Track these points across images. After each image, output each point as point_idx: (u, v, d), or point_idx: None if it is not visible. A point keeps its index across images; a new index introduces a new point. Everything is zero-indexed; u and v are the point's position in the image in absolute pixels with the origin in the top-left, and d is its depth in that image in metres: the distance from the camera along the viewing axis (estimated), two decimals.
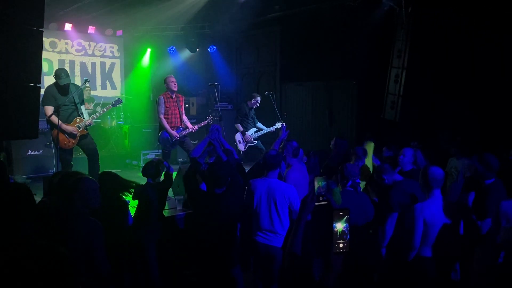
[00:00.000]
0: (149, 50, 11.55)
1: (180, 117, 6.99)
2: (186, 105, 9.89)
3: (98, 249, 2.88)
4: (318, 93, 9.71)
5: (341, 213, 1.93)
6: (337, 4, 8.34)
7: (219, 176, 3.51)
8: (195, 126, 6.98)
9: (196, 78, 11.19)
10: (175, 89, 6.96)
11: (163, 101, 6.89)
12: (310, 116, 9.79)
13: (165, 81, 7.05)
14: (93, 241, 2.84)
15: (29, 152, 7.57)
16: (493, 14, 6.52)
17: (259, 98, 8.05)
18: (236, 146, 7.75)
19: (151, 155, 8.96)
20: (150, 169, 4.37)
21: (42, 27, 3.26)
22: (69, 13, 9.77)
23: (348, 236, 1.91)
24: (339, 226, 1.90)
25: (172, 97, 6.94)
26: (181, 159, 9.05)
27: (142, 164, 8.97)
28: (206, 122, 6.99)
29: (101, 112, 7.14)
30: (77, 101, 6.12)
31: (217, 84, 7.24)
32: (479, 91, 6.80)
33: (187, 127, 6.93)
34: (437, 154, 6.65)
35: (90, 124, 6.32)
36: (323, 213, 2.07)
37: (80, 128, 6.12)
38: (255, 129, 8.04)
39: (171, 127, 6.85)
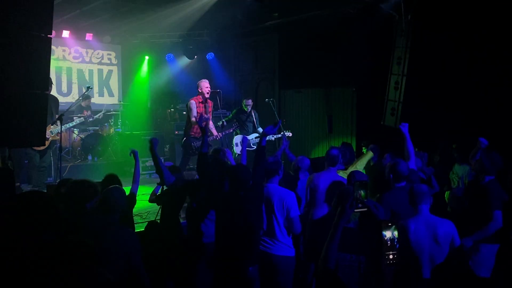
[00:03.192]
0: (147, 57, 11.53)
1: (207, 124, 6.95)
2: (184, 112, 9.84)
3: (137, 260, 2.86)
4: (318, 100, 9.73)
5: (389, 223, 1.90)
6: (336, 12, 8.38)
7: (242, 179, 3.48)
8: (220, 133, 6.87)
9: (194, 85, 11.17)
10: (208, 95, 6.79)
11: (195, 106, 6.73)
12: (310, 123, 9.80)
13: (199, 85, 6.88)
14: (131, 252, 2.83)
15: (27, 161, 7.49)
16: (492, 23, 6.57)
17: (249, 101, 8.03)
18: (233, 149, 7.73)
19: (149, 163, 8.90)
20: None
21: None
22: (67, 20, 9.72)
23: (398, 246, 1.87)
24: (389, 234, 1.87)
25: (203, 102, 6.80)
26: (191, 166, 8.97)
27: (140, 171, 8.90)
28: (231, 130, 6.93)
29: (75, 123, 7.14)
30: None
31: (219, 91, 7.21)
32: (478, 98, 6.84)
33: (212, 134, 6.78)
34: (438, 160, 6.69)
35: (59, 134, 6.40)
36: (371, 222, 2.02)
37: (52, 134, 6.18)
38: (256, 134, 8.01)
39: (197, 133, 6.66)
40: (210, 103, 6.99)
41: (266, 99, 8.27)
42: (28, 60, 3.16)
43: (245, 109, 8.05)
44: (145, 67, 11.58)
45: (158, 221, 4.61)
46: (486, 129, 6.75)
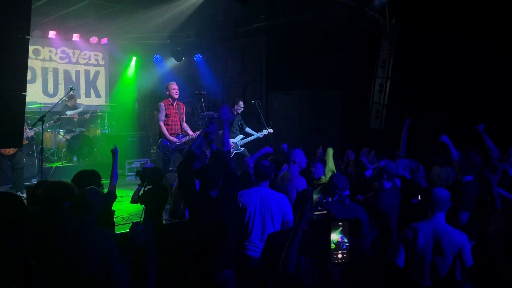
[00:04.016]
0: (134, 58, 11.50)
1: (181, 124, 6.97)
2: None
3: (114, 260, 2.86)
4: (304, 102, 9.77)
5: (339, 224, 1.92)
6: (322, 15, 8.44)
7: (211, 179, 3.46)
8: (196, 132, 6.96)
9: (182, 86, 11.16)
10: (177, 96, 6.95)
11: (164, 108, 6.86)
12: (296, 125, 9.83)
13: (167, 88, 7.03)
14: (108, 252, 2.82)
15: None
16: (476, 26, 6.65)
17: (241, 103, 8.06)
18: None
19: (136, 164, 8.88)
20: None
21: (29, 35, 3.22)
22: (53, 21, 9.68)
23: (345, 246, 1.90)
24: (335, 236, 1.90)
25: (172, 104, 6.93)
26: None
27: (126, 173, 8.90)
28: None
29: (47, 125, 7.08)
30: None
31: (203, 92, 7.24)
32: (462, 100, 6.92)
33: (187, 134, 6.90)
34: (421, 163, 6.75)
35: (31, 137, 6.32)
36: (321, 223, 2.04)
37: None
38: (241, 136, 8.02)
39: (171, 134, 6.80)
40: (182, 105, 7.11)
41: (252, 101, 8.30)
42: (5, 61, 3.14)
43: (236, 110, 8.07)
44: (132, 68, 11.55)
45: (142, 222, 4.61)
46: (472, 129, 6.84)
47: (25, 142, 6.28)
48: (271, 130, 7.81)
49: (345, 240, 1.90)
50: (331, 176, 3.77)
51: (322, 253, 1.89)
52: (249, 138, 7.98)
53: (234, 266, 3.44)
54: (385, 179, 4.25)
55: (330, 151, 5.42)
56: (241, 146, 7.93)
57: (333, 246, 1.88)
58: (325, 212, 2.08)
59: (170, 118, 6.87)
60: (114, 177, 4.17)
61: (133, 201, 4.83)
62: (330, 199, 3.51)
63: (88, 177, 3.57)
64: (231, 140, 7.90)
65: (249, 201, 3.82)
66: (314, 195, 2.12)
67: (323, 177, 5.05)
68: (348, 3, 7.70)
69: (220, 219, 3.38)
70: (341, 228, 1.90)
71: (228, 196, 3.48)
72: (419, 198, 4.29)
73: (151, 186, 4.68)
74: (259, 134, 7.87)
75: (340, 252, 1.88)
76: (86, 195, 3.00)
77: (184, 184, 3.57)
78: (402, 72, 7.45)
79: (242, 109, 8.08)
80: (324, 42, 8.94)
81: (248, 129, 8.09)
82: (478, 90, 6.82)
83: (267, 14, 9.46)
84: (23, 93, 3.27)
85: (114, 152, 4.41)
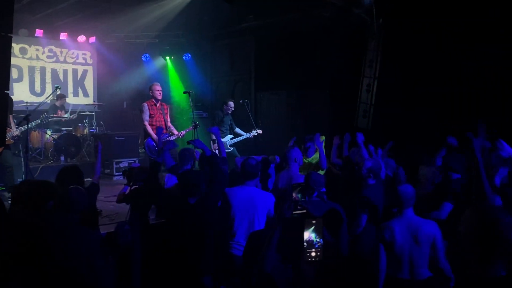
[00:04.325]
0: (123, 57, 11.43)
1: (166, 124, 6.98)
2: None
3: (97, 259, 2.84)
4: (293, 102, 9.80)
5: (313, 222, 1.93)
6: (310, 15, 8.47)
7: (192, 184, 3.44)
8: (181, 132, 6.98)
9: (169, 86, 11.15)
10: (160, 97, 6.99)
11: (147, 108, 6.88)
12: (285, 125, 9.86)
13: (150, 89, 7.06)
14: (91, 251, 2.81)
15: None
16: (462, 25, 6.70)
17: (231, 103, 8.10)
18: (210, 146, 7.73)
19: (124, 164, 8.83)
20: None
21: (11, 33, 3.19)
22: (40, 19, 9.59)
23: (318, 245, 1.89)
24: (307, 234, 1.90)
25: (156, 105, 6.96)
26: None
27: (114, 172, 8.84)
28: (191, 128, 6.98)
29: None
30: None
31: (191, 91, 7.23)
32: (449, 100, 6.98)
33: (172, 134, 6.91)
34: (408, 162, 6.80)
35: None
36: (295, 222, 2.04)
37: (6, 138, 6.10)
38: (231, 136, 8.03)
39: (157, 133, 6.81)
40: (165, 106, 7.15)
41: (241, 101, 8.31)
42: None
43: (225, 111, 8.08)
44: (121, 67, 11.48)
45: (127, 221, 4.58)
46: (457, 129, 6.91)
47: (11, 141, 6.19)
48: (260, 131, 7.86)
49: (317, 239, 1.90)
50: (308, 174, 3.76)
51: (295, 251, 1.90)
52: (238, 138, 8.00)
53: (212, 272, 3.43)
54: (371, 178, 4.27)
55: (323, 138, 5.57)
56: (230, 146, 7.95)
57: (306, 244, 1.88)
58: (304, 211, 2.08)
59: (154, 118, 6.88)
60: (97, 169, 4.21)
61: (119, 200, 4.80)
62: (308, 198, 3.52)
63: (70, 174, 3.57)
64: (222, 140, 7.90)
65: (234, 200, 3.81)
66: (293, 194, 2.11)
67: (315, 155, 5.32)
68: (335, 3, 7.73)
69: (198, 226, 3.36)
70: (314, 226, 1.90)
71: (210, 201, 3.48)
72: None
73: (137, 186, 4.66)
74: (248, 135, 7.90)
75: (313, 250, 1.88)
76: (69, 194, 2.98)
77: (154, 190, 3.55)
78: (390, 72, 7.51)
79: (232, 109, 8.10)
80: (312, 42, 8.97)
81: (237, 130, 8.12)
82: (465, 90, 6.89)
83: (255, 14, 9.48)
84: (5, 91, 3.24)
85: (97, 146, 4.43)
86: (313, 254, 1.87)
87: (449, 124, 6.93)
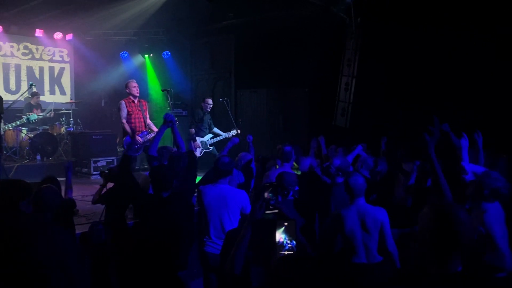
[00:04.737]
0: (101, 54, 11.26)
1: (145, 121, 6.88)
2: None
3: (72, 261, 2.78)
4: (273, 100, 9.84)
5: (285, 223, 1.91)
6: (290, 14, 8.51)
7: (163, 179, 3.43)
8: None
9: (148, 83, 11.05)
10: (137, 94, 6.87)
11: (125, 106, 6.77)
12: (265, 123, 9.89)
13: (127, 86, 6.95)
14: (65, 252, 2.75)
15: None
16: (442, 23, 6.80)
17: (209, 100, 8.05)
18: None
19: (101, 163, 8.71)
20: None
21: None
22: (15, 15, 9.38)
23: (288, 247, 1.88)
24: (278, 235, 1.89)
25: (134, 102, 6.85)
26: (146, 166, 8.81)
27: (92, 171, 8.71)
28: (170, 126, 6.91)
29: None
30: None
31: (170, 89, 7.18)
32: (427, 98, 7.08)
33: (152, 131, 6.82)
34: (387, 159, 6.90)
35: None
36: (267, 222, 2.02)
37: None
38: (211, 135, 8.00)
39: (137, 131, 6.69)
40: (144, 102, 7.05)
41: (220, 99, 8.29)
42: None
43: (204, 109, 8.04)
44: (99, 65, 11.31)
45: (102, 221, 4.52)
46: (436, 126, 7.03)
47: None
48: (238, 131, 7.81)
49: (288, 241, 1.89)
50: (280, 174, 3.78)
51: (266, 252, 1.89)
52: (218, 138, 7.96)
53: (187, 267, 3.43)
54: (339, 176, 4.29)
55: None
56: (210, 145, 7.91)
57: (277, 245, 1.87)
58: (276, 211, 2.06)
59: (133, 116, 6.78)
60: (68, 190, 4.12)
61: (94, 201, 4.72)
62: (282, 198, 3.53)
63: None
64: (201, 139, 7.87)
65: (206, 198, 3.82)
66: (265, 194, 2.10)
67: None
68: (314, 2, 7.79)
69: (171, 220, 3.34)
70: (285, 227, 1.88)
71: (182, 196, 3.47)
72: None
73: (113, 185, 4.60)
74: (227, 134, 7.85)
75: (284, 251, 1.87)
76: (42, 194, 2.93)
77: (126, 186, 3.50)
78: (368, 71, 7.60)
79: (211, 105, 8.05)
80: (291, 40, 9.02)
81: (215, 129, 8.08)
82: (443, 87, 7.00)
83: (235, 12, 9.46)
84: None
85: (68, 167, 4.33)
86: (284, 255, 1.86)
87: (428, 122, 7.04)
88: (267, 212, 2.07)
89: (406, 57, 7.31)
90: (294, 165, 5.20)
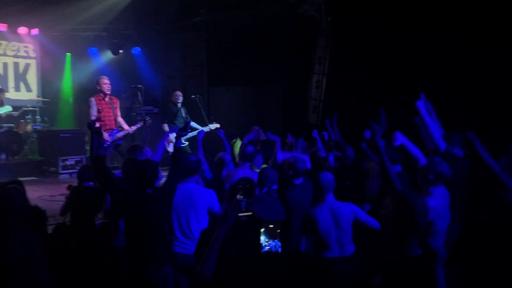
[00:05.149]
0: (69, 50, 10.98)
1: (115, 119, 6.74)
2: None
3: (41, 264, 2.69)
4: (246, 97, 9.83)
5: (270, 226, 1.87)
6: (262, 11, 8.52)
7: (150, 176, 3.37)
8: (132, 127, 6.76)
9: (119, 80, 10.81)
10: (108, 91, 6.74)
11: (95, 103, 6.63)
12: (238, 120, 9.86)
13: (98, 83, 6.81)
14: (33, 255, 2.66)
15: None
16: (411, 20, 6.90)
17: (178, 92, 7.96)
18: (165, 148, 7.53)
19: (70, 161, 8.51)
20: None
21: None
22: None
23: (266, 248, 1.83)
24: (266, 241, 1.83)
25: (104, 99, 6.72)
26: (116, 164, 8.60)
27: (60, 170, 8.50)
28: (142, 123, 6.81)
29: None
30: None
31: (141, 86, 7.08)
32: (398, 96, 7.19)
33: (123, 129, 6.70)
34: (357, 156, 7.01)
35: None
36: (251, 225, 1.96)
37: None
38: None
39: (105, 130, 6.53)
40: (115, 100, 6.94)
41: (192, 96, 8.19)
42: None
43: (175, 102, 7.93)
44: (66, 61, 11.02)
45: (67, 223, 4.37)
46: (408, 123, 7.17)
47: None
48: (217, 125, 7.66)
49: (266, 243, 1.84)
50: (263, 169, 3.78)
51: (250, 255, 1.87)
52: (194, 133, 7.82)
53: (172, 263, 3.40)
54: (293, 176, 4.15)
55: (238, 142, 5.51)
56: (185, 140, 7.78)
57: (262, 248, 1.82)
58: (250, 213, 2.00)
59: (103, 113, 6.65)
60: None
61: (62, 212, 4.52)
62: (252, 199, 3.50)
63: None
64: (174, 134, 7.70)
65: (174, 197, 3.72)
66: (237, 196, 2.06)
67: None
68: (286, 0, 7.83)
69: (156, 218, 3.30)
70: (270, 230, 1.84)
71: (167, 192, 3.43)
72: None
73: (76, 186, 4.42)
74: (205, 129, 7.68)
75: (263, 253, 1.83)
76: (7, 195, 2.83)
77: (104, 183, 3.42)
78: (339, 69, 7.69)
79: (181, 96, 7.94)
80: (264, 38, 9.03)
81: (193, 124, 7.95)
82: (415, 83, 7.12)
83: (207, 8, 9.40)
84: None
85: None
86: (263, 256, 1.83)
87: (397, 119, 7.18)
88: (240, 214, 2.00)
89: (378, 55, 7.40)
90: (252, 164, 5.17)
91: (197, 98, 7.98)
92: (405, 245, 1.90)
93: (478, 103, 6.03)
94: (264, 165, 5.26)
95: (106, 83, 6.73)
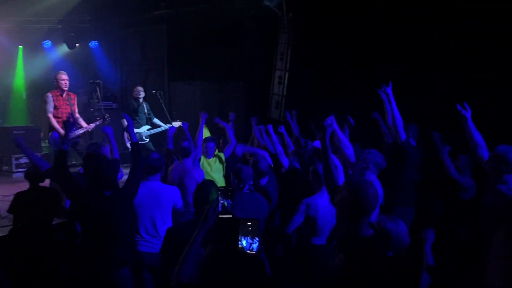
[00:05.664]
0: (21, 43, 10.47)
1: (73, 116, 6.55)
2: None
3: None
4: (208, 93, 9.75)
5: (248, 223, 1.83)
6: (224, 7, 8.46)
7: (107, 176, 3.26)
8: (91, 124, 6.62)
9: (76, 75, 10.43)
10: (65, 87, 6.59)
11: (52, 99, 6.47)
12: (200, 115, 9.78)
13: (55, 78, 6.64)
14: None
15: None
16: (367, 18, 7.03)
17: (139, 87, 7.82)
18: (125, 144, 7.34)
19: (24, 159, 8.16)
20: None
21: None
22: None
23: (256, 249, 1.80)
24: (245, 242, 1.80)
25: (62, 95, 6.56)
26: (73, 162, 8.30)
27: (14, 169, 8.15)
28: (101, 120, 6.62)
29: None
30: None
31: (99, 81, 6.90)
32: (359, 92, 7.33)
33: (81, 126, 6.54)
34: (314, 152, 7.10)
35: None
36: (228, 225, 1.91)
37: None
38: (148, 127, 7.70)
39: (62, 127, 6.36)
40: (72, 96, 6.80)
41: (153, 91, 8.04)
42: None
43: (137, 98, 7.75)
44: (19, 54, 10.51)
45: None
46: (366, 120, 7.34)
47: None
48: (180, 123, 7.45)
49: (254, 241, 1.81)
50: (239, 167, 3.76)
51: (227, 254, 1.85)
52: (156, 130, 7.66)
53: (130, 264, 3.33)
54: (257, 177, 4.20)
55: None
56: (146, 137, 7.62)
57: (241, 247, 1.79)
58: (230, 216, 1.96)
59: (60, 110, 6.49)
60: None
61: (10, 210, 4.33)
62: (232, 197, 3.49)
63: None
64: (136, 130, 7.49)
65: (137, 196, 3.65)
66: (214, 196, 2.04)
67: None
68: None
69: (116, 219, 3.22)
70: (249, 228, 1.81)
71: (127, 191, 3.35)
72: None
73: (27, 189, 4.25)
74: (167, 126, 7.53)
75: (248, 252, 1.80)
76: None
77: (63, 179, 3.30)
78: (300, 64, 7.76)
79: (142, 93, 7.79)
80: (226, 33, 8.97)
81: (156, 120, 7.81)
82: (377, 78, 7.25)
83: (167, 1, 9.24)
84: None
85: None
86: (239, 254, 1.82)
87: (359, 116, 7.34)
88: (221, 216, 1.96)
89: (339, 50, 7.51)
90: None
91: (158, 93, 7.84)
92: (358, 227, 2.10)
93: (431, 98, 6.26)
94: (220, 153, 5.38)
95: (64, 79, 6.55)
